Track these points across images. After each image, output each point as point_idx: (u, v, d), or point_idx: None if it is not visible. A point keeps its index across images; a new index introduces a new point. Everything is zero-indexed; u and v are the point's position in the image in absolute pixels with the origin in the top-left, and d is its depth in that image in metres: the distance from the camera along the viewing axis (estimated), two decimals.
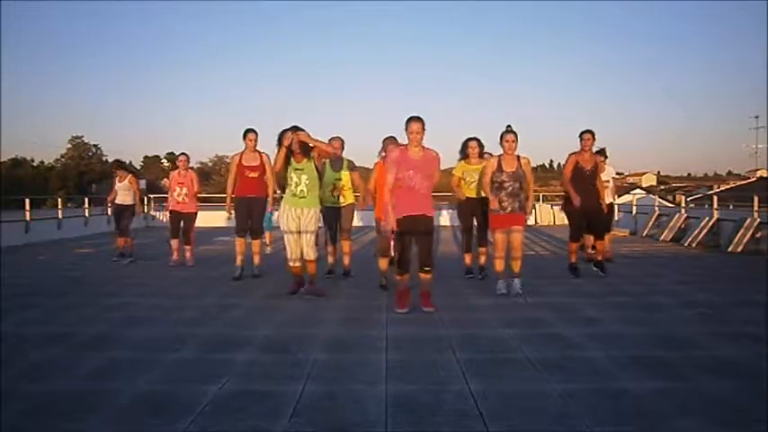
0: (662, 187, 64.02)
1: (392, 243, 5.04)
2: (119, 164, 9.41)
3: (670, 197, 36.48)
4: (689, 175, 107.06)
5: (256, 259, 7.03)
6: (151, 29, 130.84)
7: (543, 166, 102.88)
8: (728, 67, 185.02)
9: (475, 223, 6.79)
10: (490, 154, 6.64)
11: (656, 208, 14.54)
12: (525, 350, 3.82)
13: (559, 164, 58.31)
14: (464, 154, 6.70)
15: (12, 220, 12.22)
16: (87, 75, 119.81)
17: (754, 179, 39.96)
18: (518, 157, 5.74)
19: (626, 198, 21.12)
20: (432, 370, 3.43)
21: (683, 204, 13.85)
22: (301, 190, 5.48)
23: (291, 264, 5.63)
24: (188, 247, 8.26)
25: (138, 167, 60.83)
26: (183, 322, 4.73)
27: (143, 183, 22.77)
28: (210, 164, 57.83)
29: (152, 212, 17.93)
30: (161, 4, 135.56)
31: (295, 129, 5.39)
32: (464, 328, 4.41)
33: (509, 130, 5.75)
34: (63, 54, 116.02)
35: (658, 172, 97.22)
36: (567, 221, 7.34)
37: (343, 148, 6.76)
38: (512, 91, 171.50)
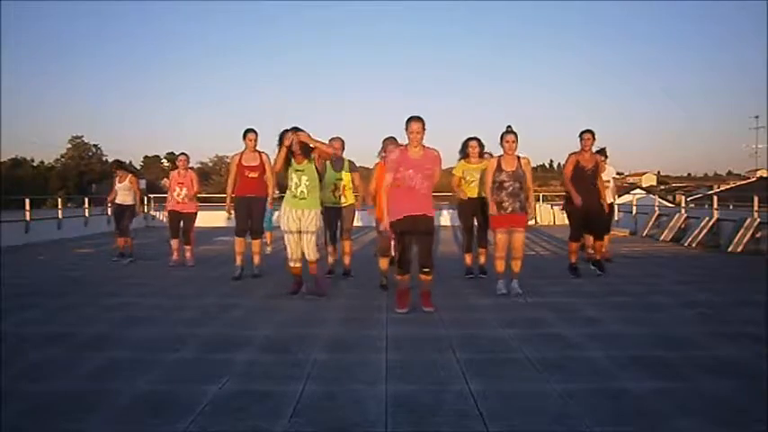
0: (662, 187, 64.02)
1: (392, 243, 5.04)
2: (119, 164, 9.40)
3: (670, 197, 36.48)
4: (689, 175, 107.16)
5: (256, 259, 7.03)
6: (151, 29, 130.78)
7: (543, 166, 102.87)
8: (728, 67, 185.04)
9: (475, 223, 6.79)
10: (490, 154, 6.65)
11: (656, 208, 14.54)
12: (525, 350, 3.82)
13: (559, 164, 58.32)
14: (464, 153, 6.70)
15: (12, 220, 12.22)
16: (87, 75, 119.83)
17: (754, 179, 39.95)
18: (518, 157, 5.74)
19: (626, 198, 21.11)
20: (432, 370, 3.43)
21: (683, 204, 13.85)
22: (301, 191, 5.48)
23: (292, 264, 5.64)
24: (188, 247, 8.26)
25: (138, 167, 60.86)
26: (183, 322, 4.73)
27: (143, 183, 22.76)
28: (210, 164, 57.84)
29: (152, 212, 17.94)
30: (161, 4, 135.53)
31: (295, 130, 5.40)
32: (464, 328, 4.41)
33: (509, 130, 5.76)
34: (63, 54, 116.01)
35: (658, 172, 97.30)
36: (567, 221, 7.34)
37: (343, 148, 6.76)
38: (512, 91, 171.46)
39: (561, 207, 9.27)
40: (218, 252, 9.93)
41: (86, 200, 15.85)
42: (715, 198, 12.97)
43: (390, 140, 6.00)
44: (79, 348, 3.96)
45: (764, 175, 38.81)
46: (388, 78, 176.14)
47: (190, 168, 8.36)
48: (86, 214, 15.06)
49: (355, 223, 7.27)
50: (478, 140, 6.68)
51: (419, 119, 4.84)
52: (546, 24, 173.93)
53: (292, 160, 5.46)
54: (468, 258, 6.90)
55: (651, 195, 27.46)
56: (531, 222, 5.90)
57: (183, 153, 8.35)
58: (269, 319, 4.81)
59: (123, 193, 8.82)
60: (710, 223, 11.08)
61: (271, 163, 6.46)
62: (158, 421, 2.72)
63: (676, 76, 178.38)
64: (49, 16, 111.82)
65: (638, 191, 34.77)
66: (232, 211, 6.86)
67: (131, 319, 4.84)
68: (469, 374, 3.33)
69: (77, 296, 5.86)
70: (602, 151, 7.85)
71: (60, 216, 13.84)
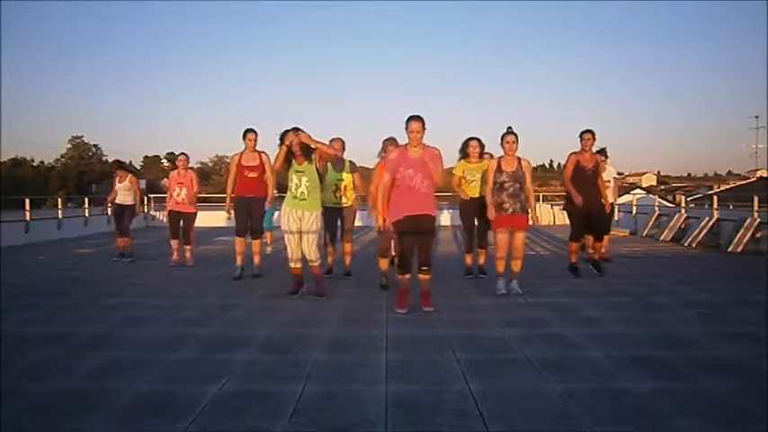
0: (662, 187, 64.05)
1: (393, 243, 5.03)
2: (118, 164, 9.40)
3: (670, 197, 36.51)
4: (689, 175, 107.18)
5: (256, 259, 7.03)
6: (151, 29, 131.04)
7: (543, 166, 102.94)
8: (728, 67, 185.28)
9: (476, 223, 6.79)
10: (491, 155, 6.65)
11: (656, 208, 14.53)
12: (525, 350, 3.82)
13: (560, 164, 58.38)
14: (464, 153, 6.70)
15: (12, 220, 12.22)
16: (87, 75, 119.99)
17: (754, 179, 39.95)
18: (518, 158, 5.74)
19: (626, 198, 21.11)
20: (432, 370, 3.43)
21: (683, 204, 13.84)
22: (302, 192, 5.47)
23: (292, 264, 5.64)
24: (188, 247, 8.26)
25: (138, 167, 60.88)
26: (183, 322, 4.73)
27: (143, 183, 22.78)
28: (210, 164, 57.77)
29: (152, 212, 17.94)
30: (161, 4, 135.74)
31: (296, 130, 5.39)
32: (464, 328, 4.40)
33: (509, 131, 5.77)
34: (63, 54, 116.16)
35: (658, 172, 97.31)
36: (567, 221, 7.34)
37: (343, 149, 6.76)
38: (512, 91, 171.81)
39: (562, 207, 9.26)
40: (218, 252, 9.92)
41: (86, 200, 15.85)
42: (715, 198, 12.97)
43: (390, 141, 6.00)
44: (79, 348, 3.96)
45: (764, 175, 38.81)
46: (388, 78, 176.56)
47: (190, 168, 8.36)
48: (86, 214, 15.06)
49: (356, 223, 7.27)
50: (479, 140, 6.68)
51: (419, 118, 4.84)
52: (546, 24, 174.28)
53: (293, 161, 5.46)
54: (468, 258, 6.90)
55: (651, 195, 27.46)
56: (531, 223, 5.89)
57: (182, 153, 8.34)
58: (269, 319, 4.81)
59: (123, 193, 8.82)
60: (710, 223, 11.08)
61: (270, 163, 6.46)
62: (158, 421, 2.72)
63: (676, 76, 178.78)
64: (49, 16, 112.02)
65: (638, 191, 34.79)
66: (232, 211, 6.86)
67: (131, 319, 4.84)
68: (469, 374, 3.33)
69: (77, 296, 5.86)
70: (602, 151, 7.86)
71: (60, 216, 13.83)
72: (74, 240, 12.55)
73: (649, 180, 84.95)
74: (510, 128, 5.82)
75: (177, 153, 8.58)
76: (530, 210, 5.79)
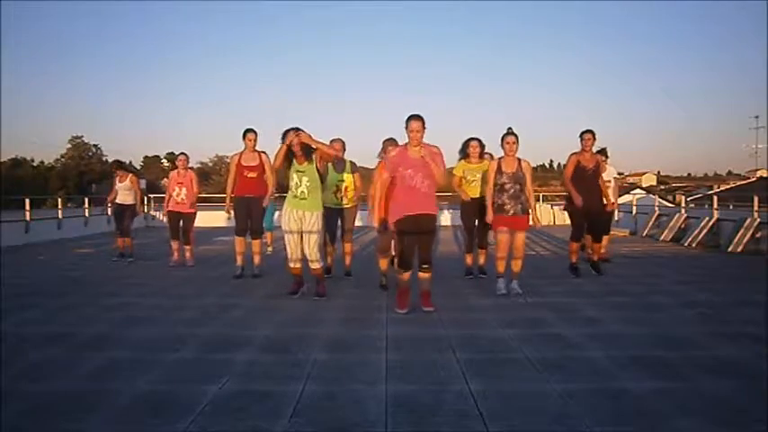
0: (662, 187, 64.04)
1: (393, 242, 5.03)
2: (118, 164, 9.40)
3: (670, 197, 36.51)
4: (689, 175, 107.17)
5: (256, 259, 7.03)
6: (151, 29, 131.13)
7: (543, 166, 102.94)
8: (728, 67, 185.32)
9: (477, 223, 6.79)
10: (491, 155, 6.65)
11: (656, 208, 14.53)
12: (525, 350, 3.82)
13: (560, 164, 58.37)
14: (464, 153, 6.70)
15: (12, 220, 12.22)
16: (87, 75, 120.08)
17: (754, 179, 39.95)
18: (518, 159, 5.74)
19: (626, 198, 21.11)
20: (432, 370, 3.43)
21: (683, 204, 13.85)
22: (302, 192, 5.47)
23: (292, 264, 5.63)
24: (188, 247, 8.26)
25: (138, 167, 60.89)
26: (183, 322, 4.73)
27: (143, 183, 22.77)
28: (210, 164, 57.75)
29: (152, 212, 17.94)
30: (161, 4, 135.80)
31: (296, 130, 5.39)
32: (464, 328, 4.40)
33: (510, 132, 5.77)
34: (63, 54, 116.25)
35: (658, 172, 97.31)
36: (568, 221, 7.34)
37: (344, 149, 6.76)
38: (512, 91, 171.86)
39: (562, 207, 9.27)
40: (218, 252, 9.93)
41: (86, 200, 15.85)
42: (715, 198, 12.97)
43: (390, 142, 6.00)
44: (79, 348, 3.96)
45: (764, 175, 38.81)
46: (388, 78, 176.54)
47: (189, 168, 8.36)
48: (86, 214, 15.06)
49: (356, 223, 7.27)
50: (479, 141, 6.68)
51: (419, 117, 4.83)
52: (546, 24, 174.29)
53: (293, 161, 5.46)
54: (468, 258, 6.90)
55: (651, 195, 27.46)
56: (532, 224, 5.89)
57: (182, 153, 8.34)
58: (269, 319, 4.81)
59: (123, 193, 8.82)
60: (710, 223, 11.08)
61: (270, 163, 6.46)
62: (158, 421, 2.72)
63: (676, 76, 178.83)
64: (49, 16, 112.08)
65: (638, 191, 34.80)
66: (231, 211, 6.86)
67: (131, 319, 4.84)
68: (469, 374, 3.33)
69: (77, 296, 5.86)
70: (602, 151, 7.86)
71: (60, 216, 13.83)
72: (74, 240, 12.55)
73: (649, 180, 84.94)
74: (510, 128, 5.82)
75: (177, 153, 8.58)
76: (530, 211, 5.79)
